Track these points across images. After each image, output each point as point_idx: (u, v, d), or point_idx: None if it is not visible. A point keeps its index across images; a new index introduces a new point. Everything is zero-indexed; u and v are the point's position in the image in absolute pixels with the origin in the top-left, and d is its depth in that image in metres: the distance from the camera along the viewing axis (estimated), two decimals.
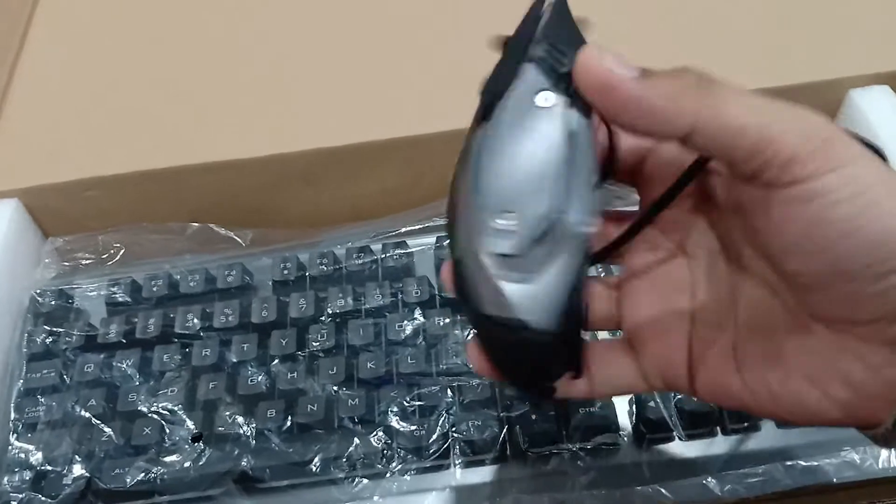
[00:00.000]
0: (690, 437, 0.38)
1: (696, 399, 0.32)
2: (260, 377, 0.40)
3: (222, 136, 0.47)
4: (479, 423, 0.37)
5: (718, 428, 0.38)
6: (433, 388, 0.39)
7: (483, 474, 0.38)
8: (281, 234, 0.46)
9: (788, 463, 0.36)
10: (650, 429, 0.37)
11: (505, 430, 0.37)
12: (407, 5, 0.52)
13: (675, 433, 0.37)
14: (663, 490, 0.37)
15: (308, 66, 0.49)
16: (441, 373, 0.39)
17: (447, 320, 0.41)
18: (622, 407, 0.38)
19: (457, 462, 0.38)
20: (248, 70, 0.50)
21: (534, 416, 0.37)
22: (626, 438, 0.38)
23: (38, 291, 0.43)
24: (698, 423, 0.38)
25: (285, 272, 0.43)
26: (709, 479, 0.37)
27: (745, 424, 0.37)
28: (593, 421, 0.37)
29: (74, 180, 0.46)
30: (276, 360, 0.40)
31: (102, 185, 0.46)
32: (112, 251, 0.46)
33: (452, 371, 0.39)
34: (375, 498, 0.37)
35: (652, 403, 0.37)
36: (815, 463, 0.36)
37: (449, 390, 0.39)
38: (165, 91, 0.49)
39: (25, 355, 0.41)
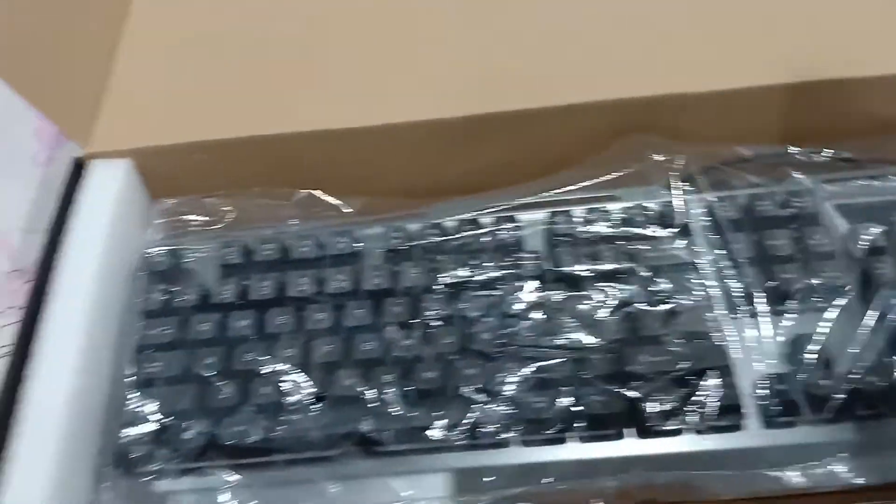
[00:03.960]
0: (817, 422, 0.37)
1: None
2: (375, 343, 0.40)
3: (333, 104, 0.47)
4: (602, 399, 0.37)
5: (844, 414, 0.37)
6: (553, 360, 0.38)
7: (603, 450, 0.37)
8: (386, 203, 0.46)
9: None
10: (778, 411, 0.37)
11: (628, 405, 0.37)
12: None
13: (802, 416, 0.37)
14: (788, 473, 0.36)
15: (423, 35, 0.49)
16: (560, 346, 0.39)
17: (563, 295, 0.40)
18: (747, 388, 0.37)
19: (577, 436, 0.37)
20: (363, 38, 0.50)
21: (657, 394, 0.37)
22: (752, 419, 0.37)
23: (150, 251, 0.44)
24: (825, 407, 0.37)
25: (396, 241, 0.43)
26: (836, 465, 0.36)
27: (873, 412, 0.37)
28: (719, 400, 0.37)
29: (184, 143, 0.46)
30: (391, 327, 0.40)
31: (211, 149, 0.46)
32: (220, 215, 0.46)
33: (572, 345, 0.39)
34: (494, 467, 0.37)
35: (781, 386, 0.37)
36: None
37: (570, 364, 0.38)
38: (279, 57, 0.49)
39: (142, 312, 0.42)
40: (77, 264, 0.42)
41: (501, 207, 0.45)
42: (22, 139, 0.61)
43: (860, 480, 0.36)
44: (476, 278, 0.41)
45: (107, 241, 0.43)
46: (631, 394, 0.37)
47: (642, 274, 0.40)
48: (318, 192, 0.46)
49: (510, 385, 0.38)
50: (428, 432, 0.37)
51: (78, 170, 0.46)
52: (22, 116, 0.62)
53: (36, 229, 0.56)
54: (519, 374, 0.38)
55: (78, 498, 0.38)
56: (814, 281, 0.39)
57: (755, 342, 0.39)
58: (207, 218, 0.45)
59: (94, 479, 0.39)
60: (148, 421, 0.38)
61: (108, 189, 0.45)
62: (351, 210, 0.46)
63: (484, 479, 0.37)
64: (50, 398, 0.38)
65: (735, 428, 0.37)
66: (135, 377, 0.39)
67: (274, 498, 0.38)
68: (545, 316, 0.40)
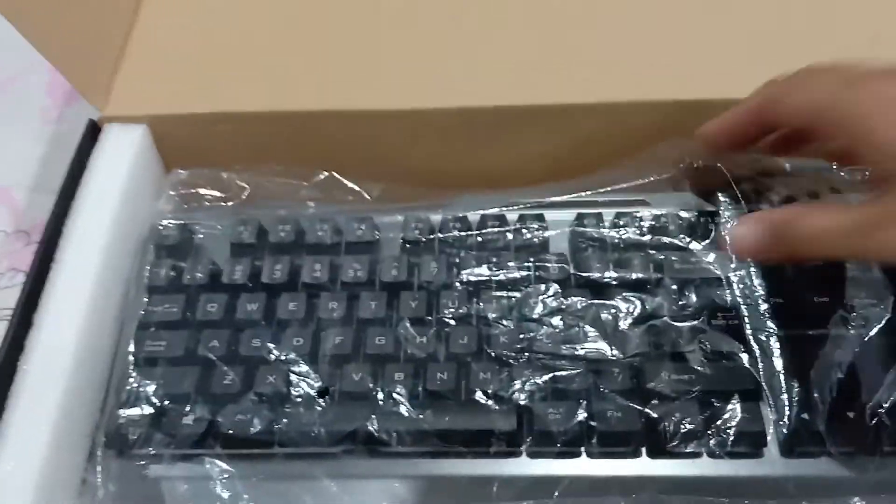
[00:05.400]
0: (841, 455, 0.35)
1: None
2: (387, 338, 0.38)
3: (360, 84, 0.45)
4: (619, 415, 0.36)
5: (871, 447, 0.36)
6: (570, 371, 0.37)
7: (617, 467, 0.36)
8: (408, 191, 0.44)
9: None
10: (801, 440, 0.35)
11: (644, 424, 0.36)
12: None
13: (826, 447, 0.35)
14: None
15: (463, 21, 0.47)
16: (578, 357, 0.37)
17: (586, 301, 0.39)
18: (771, 414, 0.36)
19: (591, 452, 0.36)
20: (400, 18, 0.48)
21: (677, 414, 0.35)
22: (773, 447, 0.36)
23: (161, 223, 0.42)
24: (851, 440, 0.35)
25: (416, 232, 0.42)
26: (856, 501, 0.35)
27: None
28: (741, 425, 0.35)
29: (204, 113, 0.44)
30: (405, 322, 0.39)
31: (232, 122, 0.44)
32: (236, 190, 0.44)
33: (590, 356, 0.37)
34: (503, 476, 0.36)
35: (805, 414, 0.35)
36: None
37: (587, 375, 0.37)
38: (310, 30, 0.47)
39: (146, 287, 0.40)
40: (86, 231, 0.40)
41: (529, 205, 0.43)
42: (32, 93, 0.59)
43: None
44: (497, 278, 0.40)
45: (118, 210, 0.41)
46: (650, 411, 0.36)
47: (671, 286, 0.38)
48: (338, 175, 0.44)
49: (524, 393, 0.36)
50: (437, 436, 0.36)
51: (92, 132, 0.44)
52: (34, 70, 0.60)
53: (44, 189, 0.55)
54: (534, 382, 0.36)
55: (70, 475, 0.37)
56: (849, 305, 0.37)
57: (783, 366, 0.37)
58: (222, 193, 0.44)
59: (87, 458, 0.38)
60: (146, 402, 0.37)
61: (123, 155, 0.43)
62: (371, 196, 0.44)
63: (493, 489, 0.35)
64: (48, 370, 0.37)
65: (755, 455, 0.36)
66: (136, 355, 0.38)
67: (270, 492, 0.36)
68: (565, 323, 0.38)
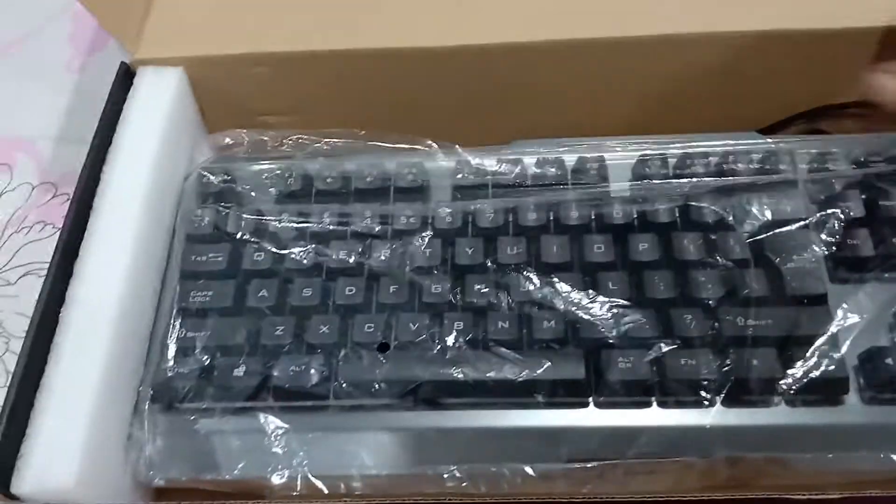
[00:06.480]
0: None
1: None
2: (443, 286, 0.36)
3: (402, 22, 0.42)
4: (692, 363, 0.34)
5: None
6: (639, 317, 0.35)
7: (690, 417, 0.34)
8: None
9: None
10: (883, 387, 0.33)
11: (719, 371, 0.34)
12: None
13: None
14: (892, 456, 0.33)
15: None
16: (646, 300, 0.36)
17: (647, 246, 0.37)
18: (851, 360, 0.34)
19: (662, 401, 0.34)
20: None
21: (753, 361, 0.34)
22: (853, 395, 0.34)
23: (204, 168, 0.40)
24: None
25: (468, 176, 0.40)
26: None
27: None
28: (820, 371, 0.33)
29: (241, 54, 0.42)
30: (461, 270, 0.37)
31: (270, 63, 0.42)
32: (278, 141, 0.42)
33: (656, 303, 0.35)
34: (570, 428, 0.34)
35: (888, 360, 0.34)
36: None
37: (658, 322, 0.35)
38: None
39: (191, 236, 0.38)
40: (124, 178, 0.38)
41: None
42: (54, 45, 0.57)
43: None
44: (556, 221, 0.38)
45: (156, 156, 0.39)
46: (724, 358, 0.34)
47: (743, 229, 0.37)
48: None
49: (589, 341, 0.35)
50: (497, 387, 0.34)
51: (125, 76, 0.42)
52: (56, 20, 0.58)
53: (70, 139, 0.53)
54: (602, 329, 0.35)
55: (116, 430, 0.35)
56: None
57: (863, 311, 0.35)
58: (267, 137, 0.41)
59: (132, 412, 0.36)
60: (194, 354, 0.35)
61: (159, 99, 0.41)
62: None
63: (560, 443, 0.34)
64: (92, 322, 0.35)
65: (835, 402, 0.34)
66: (181, 306, 0.36)
67: (325, 446, 0.35)
68: (626, 272, 0.36)
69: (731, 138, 0.39)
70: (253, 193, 0.40)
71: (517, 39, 0.41)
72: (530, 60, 0.42)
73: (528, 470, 0.33)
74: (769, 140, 0.39)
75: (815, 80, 0.42)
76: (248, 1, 0.43)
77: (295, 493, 0.34)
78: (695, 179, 0.38)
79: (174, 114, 0.41)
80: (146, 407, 0.35)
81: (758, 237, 0.36)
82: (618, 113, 0.44)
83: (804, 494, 0.29)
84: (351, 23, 0.42)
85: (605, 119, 0.43)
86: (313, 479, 0.34)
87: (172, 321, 0.36)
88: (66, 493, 0.33)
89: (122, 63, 0.42)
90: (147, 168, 0.39)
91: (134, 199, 0.38)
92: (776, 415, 0.34)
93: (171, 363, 0.35)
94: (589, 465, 0.33)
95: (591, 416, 0.34)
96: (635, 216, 0.38)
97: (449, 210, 0.38)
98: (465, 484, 0.33)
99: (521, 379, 0.34)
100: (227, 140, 0.41)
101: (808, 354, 0.34)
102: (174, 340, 0.36)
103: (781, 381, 0.33)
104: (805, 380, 0.33)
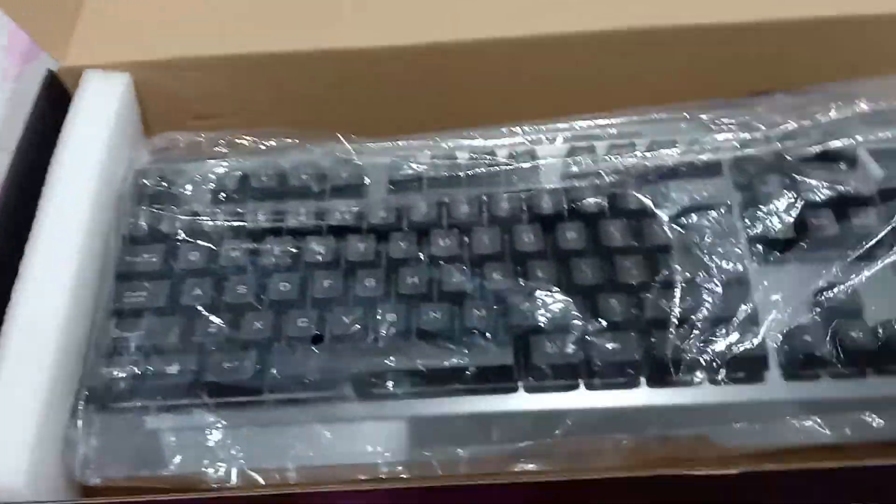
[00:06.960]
0: (843, 376, 0.35)
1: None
2: (377, 279, 0.37)
3: (339, 23, 0.43)
4: (617, 345, 0.35)
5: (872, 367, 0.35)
6: (565, 302, 0.36)
7: (617, 398, 0.35)
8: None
9: None
10: (802, 363, 0.34)
11: (644, 352, 0.35)
12: None
13: (828, 369, 0.35)
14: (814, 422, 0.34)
15: None
16: (577, 285, 0.36)
17: (575, 235, 0.38)
18: (771, 338, 0.35)
19: (589, 384, 0.35)
20: None
21: (676, 341, 0.35)
22: (774, 371, 0.35)
23: (140, 170, 0.40)
24: (852, 361, 0.35)
25: (404, 171, 0.40)
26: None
27: None
28: (742, 349, 0.34)
29: (182, 57, 0.42)
30: (394, 264, 0.38)
31: (207, 67, 0.43)
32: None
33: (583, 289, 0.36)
34: (500, 413, 0.35)
35: (806, 337, 0.35)
36: None
37: (584, 305, 0.36)
38: None
39: (127, 237, 0.39)
40: (68, 183, 0.39)
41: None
42: None
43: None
44: (488, 214, 0.39)
45: (98, 162, 0.40)
46: (648, 340, 0.35)
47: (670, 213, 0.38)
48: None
49: (518, 328, 0.35)
50: (431, 376, 0.35)
51: (53, 85, 0.42)
52: None
53: (5, 147, 0.53)
54: (530, 315, 0.36)
55: (57, 430, 0.36)
56: (848, 227, 0.36)
57: (782, 289, 0.36)
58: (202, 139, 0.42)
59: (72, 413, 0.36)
60: (129, 354, 0.36)
61: (104, 105, 0.41)
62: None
63: (492, 428, 0.34)
64: (37, 326, 0.36)
65: (757, 380, 0.35)
66: (116, 307, 0.37)
67: (261, 441, 0.35)
68: (557, 256, 0.37)
69: (667, 111, 0.41)
70: (188, 194, 0.40)
71: (444, 39, 0.42)
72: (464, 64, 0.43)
73: (461, 452, 0.34)
74: (687, 115, 0.40)
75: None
76: (180, 5, 0.44)
77: (231, 486, 0.34)
78: (622, 166, 0.39)
79: (119, 118, 0.41)
80: (80, 407, 0.36)
81: (681, 221, 0.37)
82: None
83: (702, 471, 0.30)
84: (280, 25, 0.43)
85: None
86: (250, 472, 0.34)
87: (107, 322, 0.37)
88: (14, 493, 0.33)
89: (49, 71, 0.42)
90: (89, 173, 0.39)
91: (78, 202, 0.39)
92: (701, 393, 0.35)
93: (106, 363, 0.36)
94: (521, 445, 0.34)
95: (520, 401, 0.35)
96: (564, 206, 0.39)
97: (383, 205, 0.39)
98: (399, 468, 0.34)
99: (451, 366, 0.35)
100: (163, 143, 0.42)
101: (728, 333, 0.35)
102: (109, 341, 0.36)
103: (704, 361, 0.34)
104: (727, 358, 0.34)
